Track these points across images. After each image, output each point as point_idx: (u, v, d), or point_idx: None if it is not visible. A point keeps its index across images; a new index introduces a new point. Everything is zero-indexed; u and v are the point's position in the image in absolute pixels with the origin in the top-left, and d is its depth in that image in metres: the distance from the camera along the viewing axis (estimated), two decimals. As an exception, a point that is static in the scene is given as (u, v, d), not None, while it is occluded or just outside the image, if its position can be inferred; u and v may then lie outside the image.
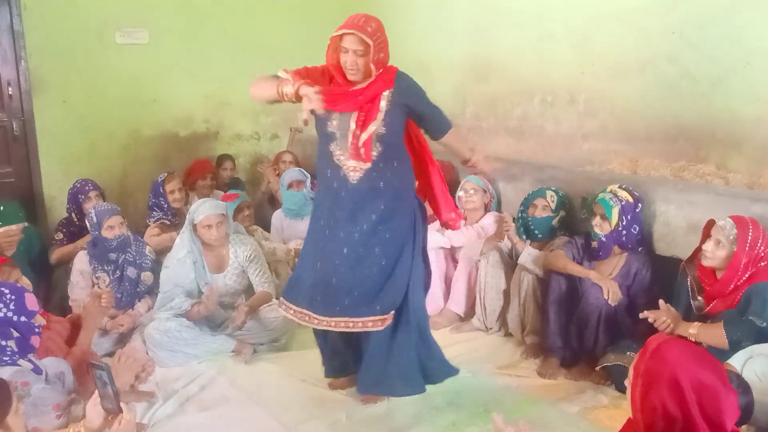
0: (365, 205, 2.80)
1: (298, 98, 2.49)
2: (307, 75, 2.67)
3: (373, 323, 2.79)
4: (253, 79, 2.68)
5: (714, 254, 2.72)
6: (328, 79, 2.76)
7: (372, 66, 2.67)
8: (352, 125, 2.73)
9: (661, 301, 2.84)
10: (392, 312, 2.80)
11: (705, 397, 1.56)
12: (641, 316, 2.82)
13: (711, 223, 2.78)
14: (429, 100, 2.85)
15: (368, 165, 2.75)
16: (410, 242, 2.87)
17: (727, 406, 1.57)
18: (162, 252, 3.95)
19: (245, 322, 3.46)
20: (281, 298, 3.01)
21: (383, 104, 2.73)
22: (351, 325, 2.80)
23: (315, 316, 2.86)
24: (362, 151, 2.72)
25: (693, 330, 2.68)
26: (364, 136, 2.71)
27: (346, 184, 2.78)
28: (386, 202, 2.81)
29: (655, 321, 2.78)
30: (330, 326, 2.84)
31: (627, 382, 1.74)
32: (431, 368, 3.00)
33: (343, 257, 2.81)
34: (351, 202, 2.80)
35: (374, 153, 2.75)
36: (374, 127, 2.72)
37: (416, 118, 2.87)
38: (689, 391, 1.56)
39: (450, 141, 2.92)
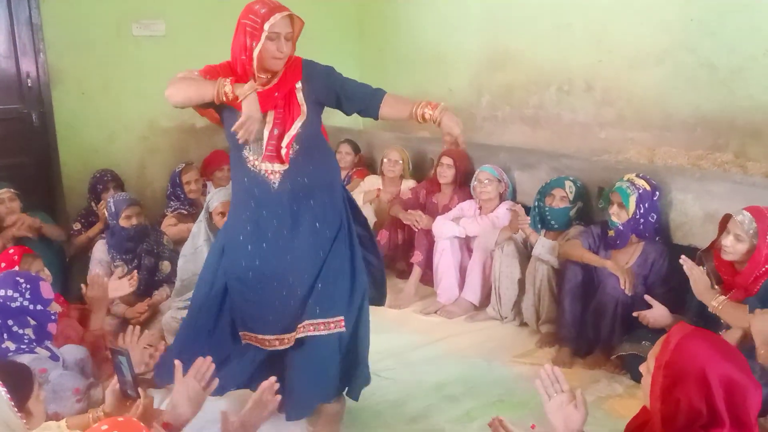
0: (295, 205, 2.53)
1: (234, 101, 2.29)
2: (216, 74, 2.42)
3: (335, 324, 2.55)
4: (172, 80, 2.39)
5: (734, 249, 2.68)
6: (227, 74, 2.45)
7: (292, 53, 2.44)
8: (268, 126, 2.44)
9: (647, 297, 2.92)
10: (342, 316, 2.58)
11: (733, 392, 1.55)
12: (681, 258, 2.78)
13: (727, 217, 2.73)
14: (346, 77, 2.56)
15: (285, 166, 2.47)
16: (345, 236, 2.64)
17: (752, 400, 1.56)
18: (179, 242, 3.99)
19: None
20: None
21: (300, 97, 2.47)
22: (312, 328, 2.53)
23: (267, 338, 2.59)
24: (283, 152, 2.45)
25: (716, 303, 2.64)
26: (287, 138, 2.44)
27: (269, 189, 2.50)
28: (317, 197, 2.56)
29: (642, 320, 2.84)
30: (285, 343, 2.57)
31: (644, 369, 1.71)
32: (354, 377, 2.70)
33: (287, 266, 2.54)
34: (279, 207, 2.52)
35: (291, 152, 2.47)
36: (299, 124, 2.45)
37: (344, 102, 2.54)
38: (717, 386, 1.54)
39: (390, 112, 2.53)
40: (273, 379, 1.98)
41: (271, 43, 2.33)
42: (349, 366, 2.64)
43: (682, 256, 2.79)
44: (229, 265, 2.61)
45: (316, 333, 2.54)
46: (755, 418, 1.58)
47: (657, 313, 2.90)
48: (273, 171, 2.49)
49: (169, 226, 4.22)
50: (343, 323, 2.57)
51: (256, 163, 2.48)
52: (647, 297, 2.94)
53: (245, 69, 2.40)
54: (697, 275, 2.74)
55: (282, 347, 2.58)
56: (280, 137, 2.45)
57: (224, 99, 2.30)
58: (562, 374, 1.82)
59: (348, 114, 2.61)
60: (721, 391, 1.54)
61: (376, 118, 2.56)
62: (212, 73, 2.43)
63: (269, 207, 2.52)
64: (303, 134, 2.47)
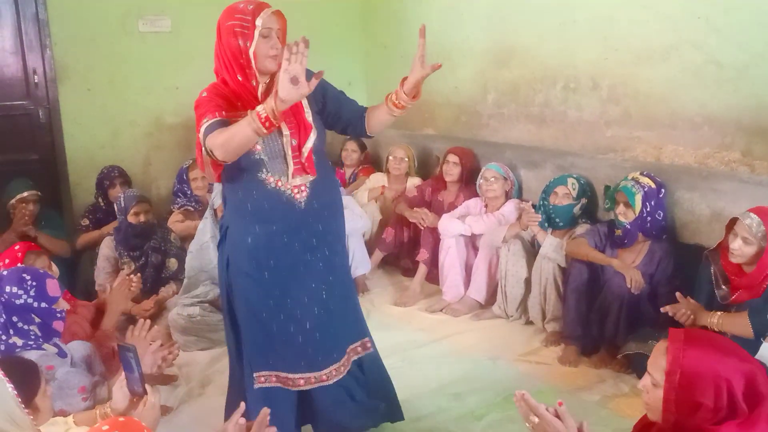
0: (319, 226, 2.36)
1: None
2: (219, 106, 2.17)
3: (362, 347, 2.53)
4: (213, 144, 2.09)
5: (742, 252, 2.67)
6: (225, 93, 2.23)
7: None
8: (286, 138, 2.25)
9: (678, 294, 2.84)
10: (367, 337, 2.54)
11: (747, 384, 1.57)
12: (662, 310, 2.82)
13: (734, 220, 2.72)
14: (339, 90, 2.43)
15: (311, 178, 2.31)
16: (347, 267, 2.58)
17: (762, 383, 1.58)
18: (185, 238, 4.00)
19: None
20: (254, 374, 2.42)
21: (305, 104, 2.30)
22: (342, 368, 2.45)
23: (299, 376, 2.40)
24: (306, 165, 2.30)
25: (715, 319, 2.66)
26: (308, 143, 2.28)
27: (294, 209, 2.30)
28: (333, 215, 2.44)
29: (675, 314, 2.78)
30: (322, 381, 2.41)
31: (648, 386, 1.70)
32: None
33: (312, 295, 2.37)
34: (304, 228, 2.33)
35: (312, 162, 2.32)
36: (314, 133, 2.29)
37: (333, 115, 2.40)
38: (739, 384, 1.56)
39: (375, 123, 2.39)
40: (267, 410, 1.86)
41: (264, 41, 2.17)
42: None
43: (662, 308, 2.81)
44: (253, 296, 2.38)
45: (354, 356, 2.51)
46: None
47: (690, 305, 2.80)
48: (300, 188, 2.30)
49: (176, 223, 4.23)
50: (370, 344, 2.56)
51: (280, 183, 2.28)
52: (678, 295, 2.85)
53: (244, 73, 2.20)
54: (684, 308, 2.76)
55: (331, 381, 2.42)
56: (299, 149, 2.29)
57: (268, 129, 2.01)
58: (531, 399, 1.68)
59: (333, 129, 2.45)
60: (741, 387, 1.56)
61: (366, 135, 2.45)
62: (216, 107, 2.17)
63: (294, 231, 2.32)
64: (316, 144, 2.32)
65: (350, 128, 2.45)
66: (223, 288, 2.48)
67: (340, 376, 2.45)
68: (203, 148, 2.15)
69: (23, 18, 4.59)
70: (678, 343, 1.64)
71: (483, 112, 4.95)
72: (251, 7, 2.19)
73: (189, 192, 4.46)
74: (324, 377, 2.42)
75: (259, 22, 2.17)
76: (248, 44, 2.17)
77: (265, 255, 2.33)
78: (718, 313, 2.68)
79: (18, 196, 4.00)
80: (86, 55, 4.89)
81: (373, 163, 5.20)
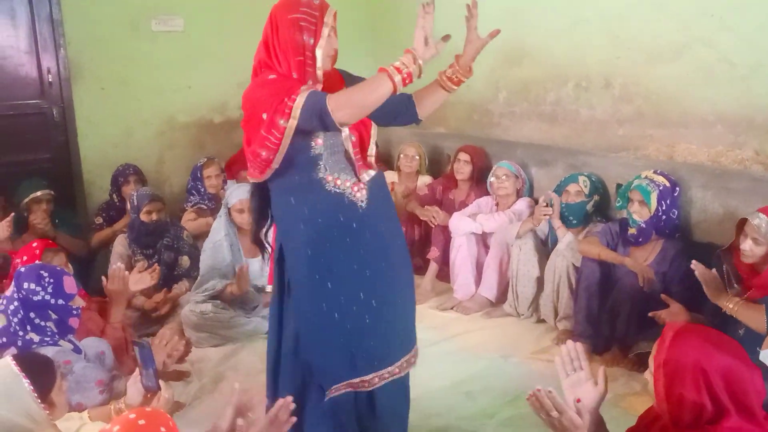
0: (381, 226, 2.23)
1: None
2: (288, 89, 2.01)
3: (414, 357, 2.40)
4: (331, 102, 1.94)
5: (753, 252, 2.66)
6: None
7: None
8: (345, 133, 2.12)
9: (663, 296, 2.89)
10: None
11: (732, 381, 1.55)
12: (693, 263, 2.76)
13: (744, 221, 2.71)
14: None
15: (373, 173, 2.20)
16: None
17: (753, 385, 1.56)
18: (198, 236, 4.03)
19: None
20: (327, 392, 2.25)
21: None
22: (406, 364, 2.36)
23: (364, 379, 2.26)
24: (371, 160, 2.21)
25: (731, 304, 2.63)
26: (373, 137, 2.21)
27: (356, 211, 2.16)
28: (391, 211, 2.33)
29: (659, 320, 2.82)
30: (385, 378, 2.28)
31: (648, 375, 1.72)
32: None
33: (381, 300, 2.24)
34: (367, 231, 2.18)
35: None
36: (374, 127, 2.20)
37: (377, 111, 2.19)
38: (716, 377, 1.55)
39: (426, 104, 2.30)
40: (290, 398, 1.85)
41: (328, 40, 2.08)
42: None
43: (693, 261, 2.78)
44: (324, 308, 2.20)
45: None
46: (760, 404, 1.58)
47: (673, 312, 2.88)
48: (359, 187, 2.16)
49: (189, 221, 4.26)
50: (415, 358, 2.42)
51: (339, 182, 2.14)
52: (663, 296, 2.93)
53: (303, 70, 2.06)
54: (709, 279, 2.72)
55: (382, 383, 2.29)
56: (360, 145, 2.19)
57: (407, 82, 1.96)
58: (584, 351, 1.79)
59: (378, 123, 2.28)
60: (720, 381, 1.55)
61: (416, 120, 2.31)
62: (286, 89, 2.01)
63: (356, 235, 2.16)
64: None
65: (399, 117, 2.30)
66: (276, 306, 2.32)
67: (408, 370, 2.38)
68: (318, 112, 1.95)
69: (37, 18, 4.63)
70: (669, 334, 1.64)
71: (494, 110, 4.95)
72: (317, 2, 2.09)
73: (203, 190, 4.50)
74: (396, 370, 2.32)
75: (328, 19, 2.08)
76: (312, 41, 2.06)
77: (328, 265, 2.15)
78: (737, 299, 2.65)
79: (31, 196, 4.03)
80: (100, 55, 4.92)
81: (384, 161, 5.21)
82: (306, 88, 2.00)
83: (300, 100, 1.96)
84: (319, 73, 2.09)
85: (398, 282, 2.30)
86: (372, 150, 2.22)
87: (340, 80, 2.20)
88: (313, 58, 2.07)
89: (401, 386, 2.40)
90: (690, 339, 1.62)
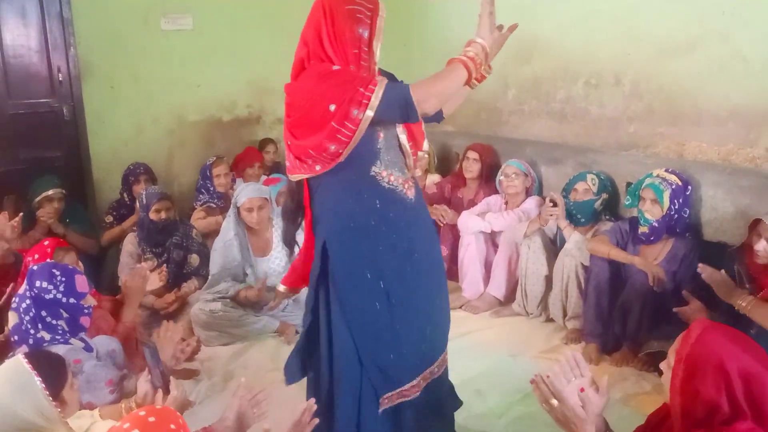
0: (424, 224, 2.25)
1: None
2: (359, 72, 2.01)
3: (446, 354, 2.37)
4: (415, 90, 1.94)
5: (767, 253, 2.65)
6: None
7: None
8: (399, 128, 2.14)
9: (685, 292, 2.86)
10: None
11: (752, 384, 1.54)
12: (700, 266, 2.76)
13: (757, 221, 2.69)
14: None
15: (418, 173, 2.24)
16: None
17: None
18: (208, 235, 4.04)
19: (278, 304, 3.52)
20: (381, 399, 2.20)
21: None
22: (437, 369, 2.31)
23: (419, 378, 2.25)
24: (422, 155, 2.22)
25: (744, 303, 2.61)
26: (425, 140, 2.21)
27: (405, 208, 2.14)
28: (428, 212, 2.37)
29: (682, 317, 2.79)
30: (434, 374, 2.30)
31: (664, 366, 1.71)
32: None
33: (426, 299, 2.24)
34: (415, 227, 2.18)
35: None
36: (423, 122, 2.18)
37: None
38: (736, 379, 1.54)
39: (454, 100, 2.31)
40: (312, 400, 1.84)
41: (379, 35, 2.04)
42: None
43: (700, 264, 2.77)
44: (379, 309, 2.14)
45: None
46: None
47: (694, 309, 2.84)
48: (408, 183, 2.15)
49: (198, 220, 4.27)
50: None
51: (392, 178, 2.11)
52: (685, 293, 2.89)
53: (359, 66, 2.02)
54: (718, 280, 2.71)
55: (441, 372, 2.32)
56: (413, 138, 2.18)
57: (478, 79, 2.04)
58: (584, 361, 1.79)
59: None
60: (740, 382, 1.54)
61: (442, 118, 2.30)
62: (359, 79, 1.97)
63: (406, 232, 2.14)
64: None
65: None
66: (324, 315, 2.19)
67: (444, 367, 2.36)
68: (403, 105, 1.92)
69: (48, 16, 4.65)
70: (697, 330, 1.64)
71: (503, 108, 4.93)
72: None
73: (212, 188, 4.51)
74: (436, 369, 2.30)
75: (383, 12, 2.03)
76: (367, 34, 2.02)
77: (380, 262, 2.11)
78: (751, 297, 2.62)
79: (43, 194, 4.05)
80: (110, 53, 4.94)
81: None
82: (381, 80, 1.96)
83: (379, 91, 1.92)
84: (375, 67, 2.04)
85: (438, 279, 2.30)
86: (426, 146, 2.21)
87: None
88: (368, 51, 2.03)
89: (445, 383, 2.40)
90: (717, 337, 1.61)
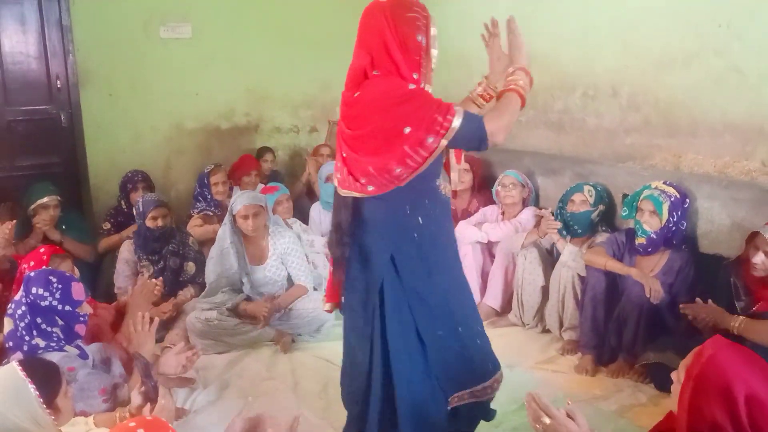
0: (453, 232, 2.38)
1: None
2: (432, 96, 2.05)
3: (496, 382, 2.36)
4: (492, 120, 2.02)
5: (766, 266, 2.65)
6: None
7: None
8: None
9: (698, 299, 2.82)
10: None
11: (757, 411, 1.52)
12: (681, 308, 2.81)
13: (755, 234, 2.70)
14: None
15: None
16: None
17: None
18: (204, 243, 4.03)
19: (269, 321, 3.53)
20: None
21: None
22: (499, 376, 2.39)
23: (485, 386, 2.34)
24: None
25: (737, 323, 2.63)
26: (462, 160, 2.26)
27: (450, 217, 2.29)
28: None
29: (693, 317, 2.76)
30: (500, 379, 2.39)
31: (675, 377, 1.69)
32: None
33: (474, 306, 2.44)
34: (454, 236, 2.37)
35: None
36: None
37: None
38: (742, 404, 1.52)
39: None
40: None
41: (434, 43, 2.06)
42: None
43: (681, 305, 2.83)
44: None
45: None
46: None
47: (710, 309, 2.79)
48: (451, 195, 2.27)
49: (195, 227, 4.27)
50: None
51: (446, 189, 2.20)
52: (698, 300, 2.86)
53: (420, 73, 2.04)
54: (704, 311, 2.75)
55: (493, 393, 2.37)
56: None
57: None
58: (542, 399, 1.68)
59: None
60: (745, 408, 1.51)
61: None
62: (436, 106, 1.98)
63: (451, 235, 2.30)
64: None
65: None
66: (378, 322, 2.18)
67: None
68: (473, 135, 1.98)
69: (47, 23, 4.67)
70: (710, 349, 1.60)
71: (501, 118, 4.94)
72: (423, 4, 2.07)
73: (209, 196, 4.51)
74: (499, 376, 2.38)
75: (434, 23, 2.06)
76: (424, 41, 2.03)
77: (446, 271, 2.20)
78: (741, 317, 2.65)
79: (38, 202, 4.03)
80: (108, 61, 4.96)
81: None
82: (458, 106, 2.01)
83: (457, 123, 1.94)
84: (431, 75, 2.07)
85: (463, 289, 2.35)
86: (462, 156, 2.27)
87: None
88: (427, 59, 2.04)
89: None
90: (727, 360, 1.58)
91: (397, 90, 1.99)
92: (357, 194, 2.09)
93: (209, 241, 3.89)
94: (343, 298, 2.29)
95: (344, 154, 2.09)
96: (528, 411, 1.68)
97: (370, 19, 2.04)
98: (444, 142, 1.95)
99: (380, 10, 2.02)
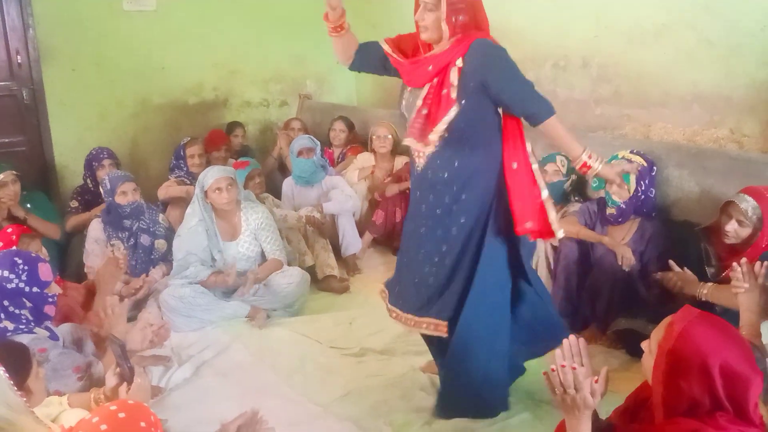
0: (429, 197, 2.45)
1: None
2: (397, 42, 2.52)
3: (427, 326, 2.53)
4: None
5: (737, 234, 2.70)
6: (413, 46, 2.46)
7: (444, 27, 2.26)
8: (419, 102, 2.33)
9: (671, 262, 2.86)
10: (446, 321, 2.48)
11: (734, 382, 1.53)
12: (655, 276, 2.84)
13: (729, 203, 2.74)
14: (514, 77, 2.34)
15: (431, 150, 2.37)
16: (475, 245, 2.44)
17: (754, 390, 1.55)
18: (177, 204, 4.07)
19: (249, 289, 3.51)
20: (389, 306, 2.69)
21: (453, 78, 2.26)
22: (411, 323, 2.58)
23: (398, 311, 2.64)
24: (432, 137, 2.33)
25: (705, 290, 2.69)
26: (440, 123, 2.30)
27: (414, 171, 2.49)
28: (454, 195, 2.41)
29: (665, 282, 2.81)
30: (407, 324, 2.61)
31: (645, 347, 1.69)
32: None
33: (414, 251, 2.55)
34: (417, 191, 2.51)
35: (437, 137, 2.33)
36: (453, 111, 2.27)
37: (494, 99, 2.33)
38: (718, 377, 1.53)
39: (550, 132, 2.44)
40: (257, 409, 1.87)
41: (417, 11, 2.34)
42: None
43: (659, 274, 2.91)
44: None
45: None
46: (755, 405, 1.56)
47: (686, 278, 2.82)
48: (418, 153, 2.44)
49: (169, 186, 4.23)
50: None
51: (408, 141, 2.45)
52: (671, 263, 2.88)
53: (416, 40, 2.44)
54: (675, 279, 2.83)
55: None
56: (429, 118, 2.32)
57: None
58: (586, 347, 1.72)
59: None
60: (722, 381, 1.53)
61: (532, 125, 2.48)
62: (394, 40, 2.57)
63: (414, 189, 2.57)
64: (453, 123, 2.29)
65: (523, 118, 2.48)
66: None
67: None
68: None
69: (4, -2, 4.51)
70: (681, 322, 1.60)
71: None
72: None
73: (186, 168, 4.46)
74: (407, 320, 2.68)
75: None
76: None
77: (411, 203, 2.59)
78: (709, 284, 2.70)
79: None
80: (70, 35, 4.82)
81: (361, 142, 5.18)
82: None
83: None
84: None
85: (430, 248, 2.57)
86: (437, 128, 2.33)
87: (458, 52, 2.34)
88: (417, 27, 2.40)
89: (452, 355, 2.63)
90: (700, 333, 1.57)
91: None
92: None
93: (181, 201, 3.85)
94: None
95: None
96: (550, 380, 1.68)
97: None
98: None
99: None
